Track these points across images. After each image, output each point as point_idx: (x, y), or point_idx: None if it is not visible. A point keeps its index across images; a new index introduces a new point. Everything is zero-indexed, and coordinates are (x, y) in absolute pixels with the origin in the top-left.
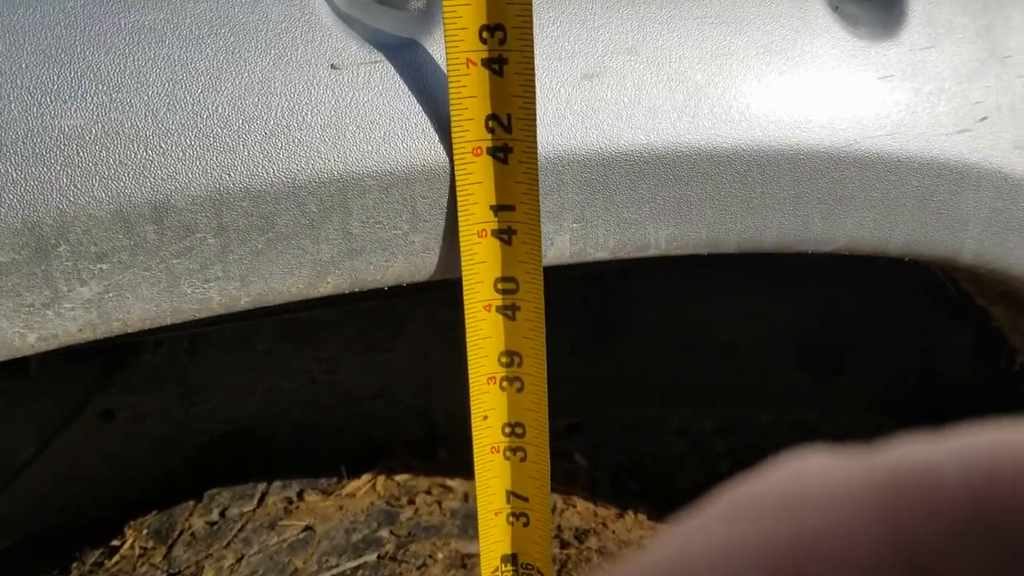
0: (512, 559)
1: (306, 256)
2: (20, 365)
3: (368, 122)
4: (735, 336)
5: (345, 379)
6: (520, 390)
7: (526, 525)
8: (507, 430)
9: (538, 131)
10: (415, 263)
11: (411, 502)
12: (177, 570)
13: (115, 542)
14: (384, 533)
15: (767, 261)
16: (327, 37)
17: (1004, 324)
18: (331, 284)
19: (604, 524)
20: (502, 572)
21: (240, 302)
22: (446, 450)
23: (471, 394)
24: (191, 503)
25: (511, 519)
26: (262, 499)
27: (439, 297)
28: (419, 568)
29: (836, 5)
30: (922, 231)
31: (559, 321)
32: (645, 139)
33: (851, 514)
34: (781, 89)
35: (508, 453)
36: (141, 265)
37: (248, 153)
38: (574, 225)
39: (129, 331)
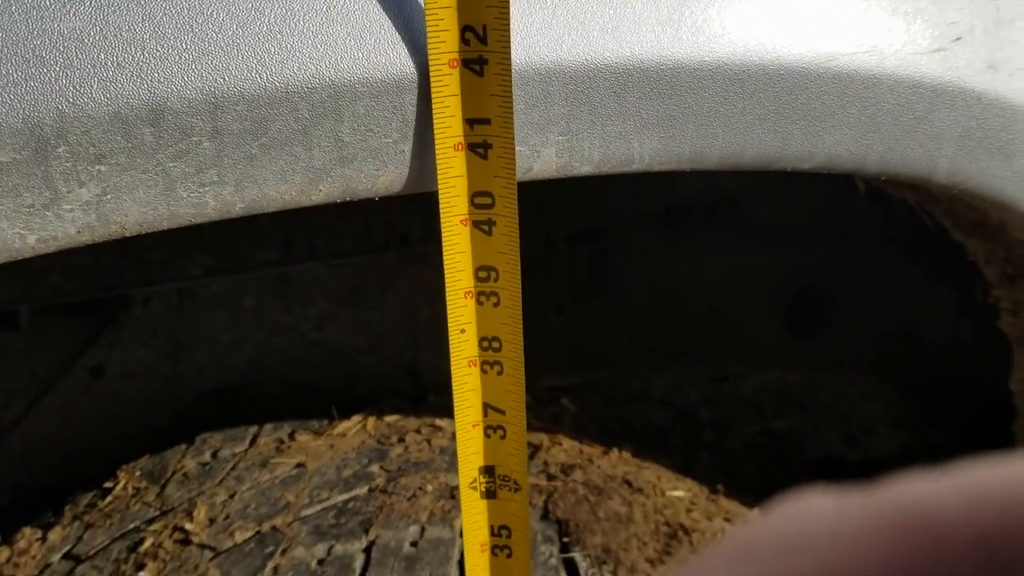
0: (489, 471)
1: (299, 162)
2: (10, 318)
3: (359, 29)
4: (720, 297)
5: (333, 336)
6: (496, 305)
7: (503, 438)
8: (484, 344)
9: (525, 41)
10: (404, 173)
11: (401, 440)
12: (170, 507)
13: (108, 484)
14: (375, 468)
15: (752, 223)
16: None
17: (979, 257)
18: (323, 192)
19: (590, 460)
20: (480, 483)
21: (235, 208)
22: (435, 393)
23: (448, 308)
24: (183, 447)
25: (488, 432)
26: (254, 440)
27: (426, 253)
28: (409, 499)
29: None
30: (897, 149)
31: (547, 281)
32: (629, 51)
33: (856, 556)
34: (762, 5)
35: (485, 367)
36: (139, 167)
37: (242, 58)
38: (560, 138)
39: (127, 234)
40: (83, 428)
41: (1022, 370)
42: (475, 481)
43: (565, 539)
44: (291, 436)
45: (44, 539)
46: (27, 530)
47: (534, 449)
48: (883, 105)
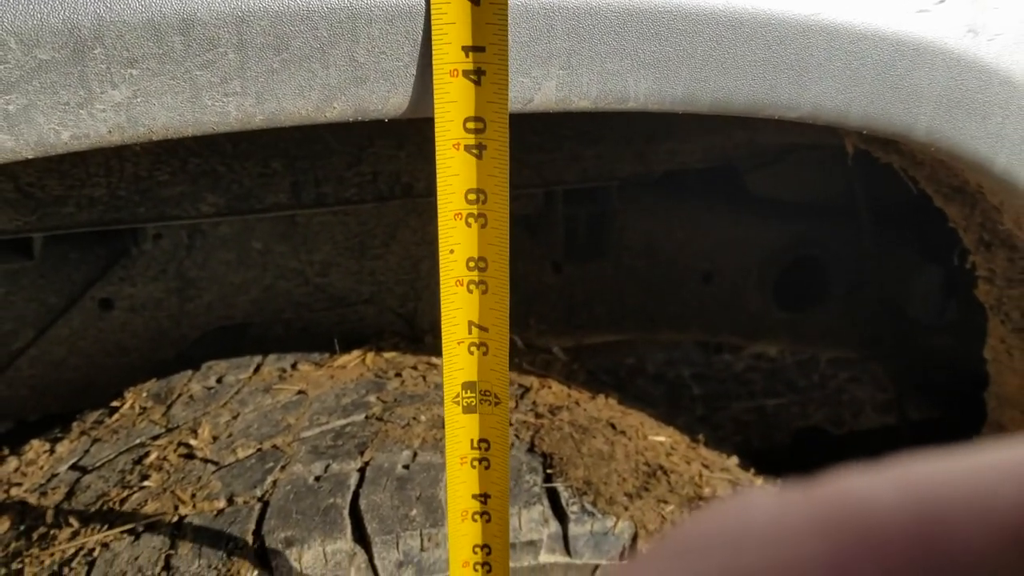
0: (471, 386)
1: (316, 79)
2: (24, 246)
3: None
4: (714, 264)
5: (337, 283)
6: (484, 226)
7: (485, 354)
8: (471, 264)
9: None
10: (412, 97)
11: (398, 375)
12: (176, 425)
13: (115, 403)
14: (372, 399)
15: (745, 190)
16: None
17: (960, 224)
18: (337, 110)
19: (577, 403)
20: (463, 398)
21: (255, 119)
22: (433, 335)
23: (439, 229)
24: (189, 372)
25: (472, 348)
26: (257, 369)
27: (431, 205)
28: (403, 427)
29: None
30: (879, 104)
31: (545, 239)
32: None
33: (793, 549)
34: None
35: (471, 286)
36: (168, 73)
37: None
38: (560, 72)
39: (153, 138)
40: (90, 359)
41: (996, 338)
42: (458, 396)
43: (549, 471)
44: (293, 366)
45: (52, 451)
46: (35, 443)
47: (524, 390)
48: (867, 60)
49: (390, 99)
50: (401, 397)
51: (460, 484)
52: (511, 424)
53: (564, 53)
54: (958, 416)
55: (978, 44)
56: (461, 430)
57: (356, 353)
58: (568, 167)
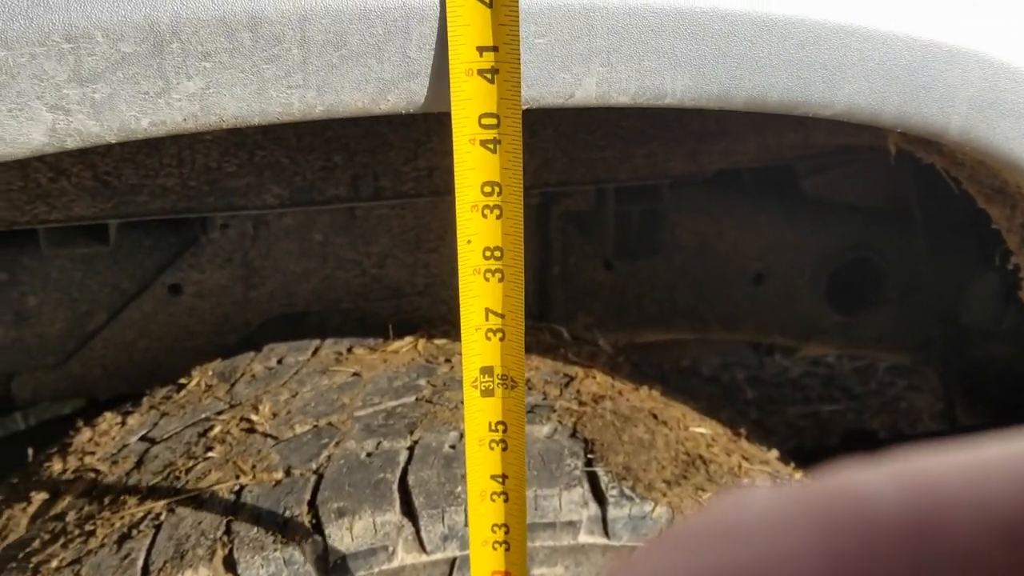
0: (489, 370)
1: (371, 73)
2: (100, 232)
3: None
4: (765, 265)
5: (392, 274)
6: (499, 217)
7: (502, 339)
8: (487, 253)
9: None
10: None
11: (447, 360)
12: (238, 402)
13: (182, 380)
14: (422, 382)
15: (799, 191)
16: None
17: (1002, 225)
18: (390, 103)
19: (620, 393)
20: (481, 382)
21: (315, 110)
22: None
23: (458, 220)
24: (252, 353)
25: (489, 334)
26: (316, 351)
27: None
28: (451, 410)
29: None
30: (912, 104)
31: (596, 236)
32: None
33: (789, 542)
34: None
35: (488, 274)
36: (237, 67)
37: None
38: (600, 68)
39: (223, 126)
40: (159, 341)
41: None
42: (476, 380)
43: (590, 456)
44: (349, 350)
45: (123, 423)
46: (108, 415)
47: (568, 379)
48: (899, 61)
49: (439, 93)
50: (450, 381)
51: (479, 465)
52: (554, 410)
53: (604, 51)
54: (1013, 425)
55: (1011, 45)
56: (479, 413)
57: (408, 339)
58: (620, 165)
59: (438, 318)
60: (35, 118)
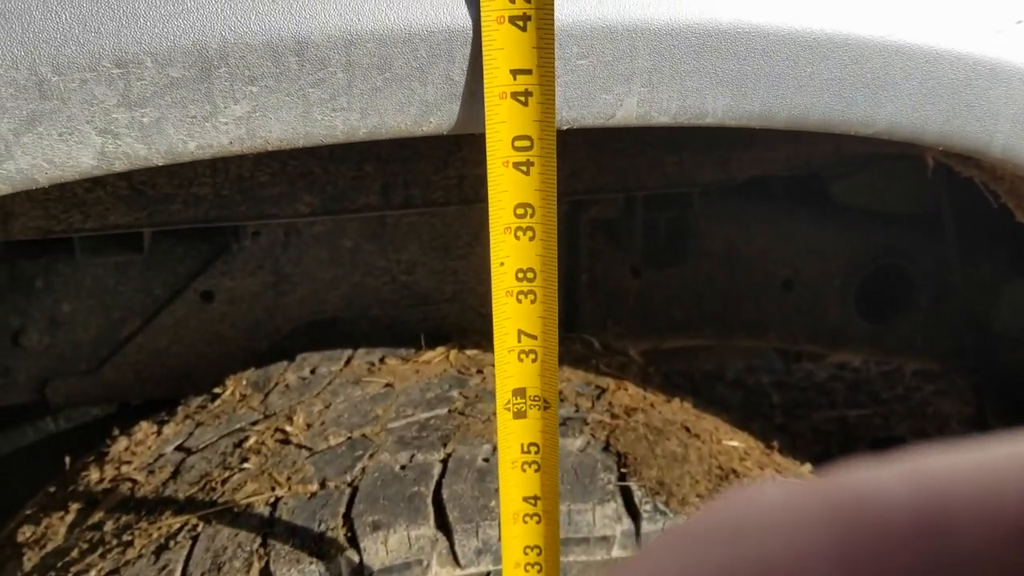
0: (521, 392)
1: (415, 96)
2: (134, 240)
3: None
4: (793, 272)
5: (422, 281)
6: (532, 238)
7: (534, 361)
8: (519, 275)
9: (617, 1)
10: None
11: (479, 371)
12: (272, 412)
13: (217, 390)
14: (454, 393)
15: (829, 198)
16: None
17: None
18: (433, 124)
19: (652, 405)
20: (513, 404)
21: (358, 132)
22: None
23: (491, 242)
24: (285, 362)
25: (521, 356)
26: (348, 361)
27: None
28: (484, 422)
29: None
30: (955, 121)
31: (624, 243)
32: (711, 15)
33: (803, 540)
34: None
35: (520, 296)
36: (283, 91)
37: (376, 2)
38: (642, 89)
39: (269, 148)
40: (191, 347)
41: None
42: (508, 403)
43: (623, 470)
44: (381, 360)
45: (159, 433)
46: (144, 424)
47: (600, 391)
48: (943, 79)
49: (480, 114)
50: (482, 393)
51: (512, 487)
52: (587, 423)
53: (646, 71)
54: None
55: None
56: (512, 435)
57: (440, 350)
58: (650, 172)
59: (468, 326)
60: (84, 142)
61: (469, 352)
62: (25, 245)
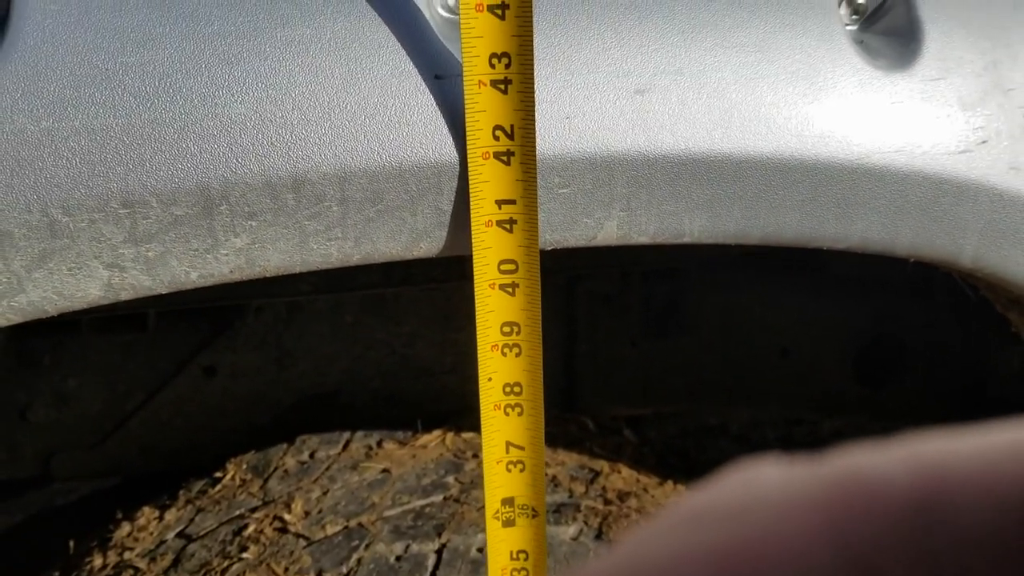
0: (510, 501)
1: (405, 225)
2: (139, 320)
3: (460, 121)
4: (790, 341)
5: (422, 353)
6: (518, 355)
7: (522, 471)
8: (507, 389)
9: (597, 134)
10: None
11: (475, 456)
12: (271, 499)
13: (218, 474)
14: (450, 479)
15: (824, 269)
16: (433, 52)
17: (1020, 329)
18: (423, 248)
19: (645, 489)
20: (502, 513)
21: (352, 258)
22: None
23: (479, 359)
24: (284, 445)
25: (510, 466)
26: (346, 445)
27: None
28: (478, 510)
29: (860, 39)
30: (924, 236)
31: (621, 315)
32: (684, 145)
33: (800, 519)
34: (805, 109)
35: (508, 409)
36: (281, 224)
37: (368, 142)
38: (621, 213)
39: (267, 275)
40: (194, 421)
41: None
42: (497, 512)
43: None
44: (379, 444)
45: (161, 518)
46: (146, 509)
47: (594, 475)
48: (911, 198)
49: (468, 239)
50: (478, 479)
51: None
52: (580, 510)
53: (624, 197)
54: None
55: (1021, 180)
56: (502, 543)
57: (436, 433)
58: (646, 248)
59: (469, 396)
60: (92, 275)
61: (465, 435)
62: (34, 324)
